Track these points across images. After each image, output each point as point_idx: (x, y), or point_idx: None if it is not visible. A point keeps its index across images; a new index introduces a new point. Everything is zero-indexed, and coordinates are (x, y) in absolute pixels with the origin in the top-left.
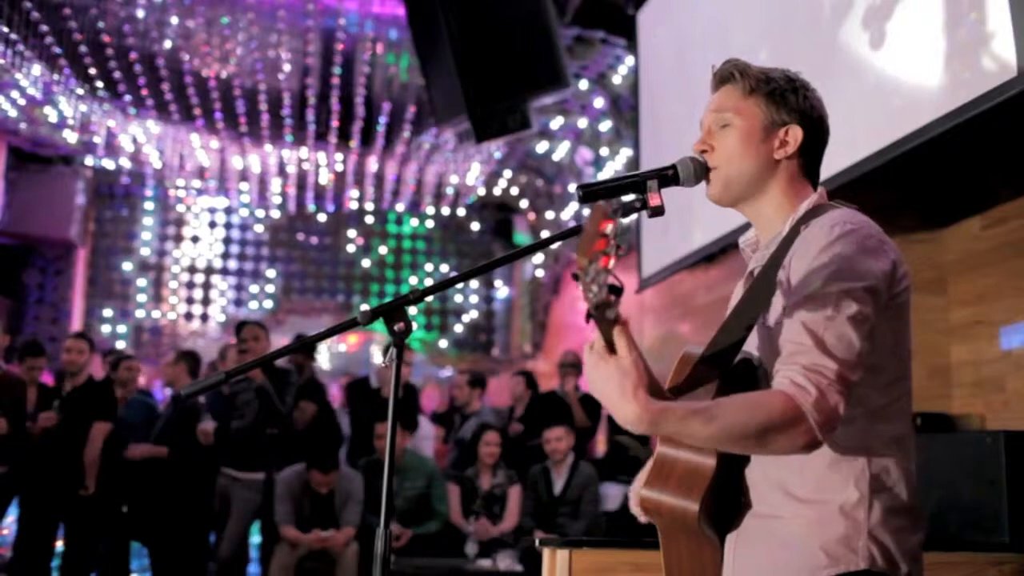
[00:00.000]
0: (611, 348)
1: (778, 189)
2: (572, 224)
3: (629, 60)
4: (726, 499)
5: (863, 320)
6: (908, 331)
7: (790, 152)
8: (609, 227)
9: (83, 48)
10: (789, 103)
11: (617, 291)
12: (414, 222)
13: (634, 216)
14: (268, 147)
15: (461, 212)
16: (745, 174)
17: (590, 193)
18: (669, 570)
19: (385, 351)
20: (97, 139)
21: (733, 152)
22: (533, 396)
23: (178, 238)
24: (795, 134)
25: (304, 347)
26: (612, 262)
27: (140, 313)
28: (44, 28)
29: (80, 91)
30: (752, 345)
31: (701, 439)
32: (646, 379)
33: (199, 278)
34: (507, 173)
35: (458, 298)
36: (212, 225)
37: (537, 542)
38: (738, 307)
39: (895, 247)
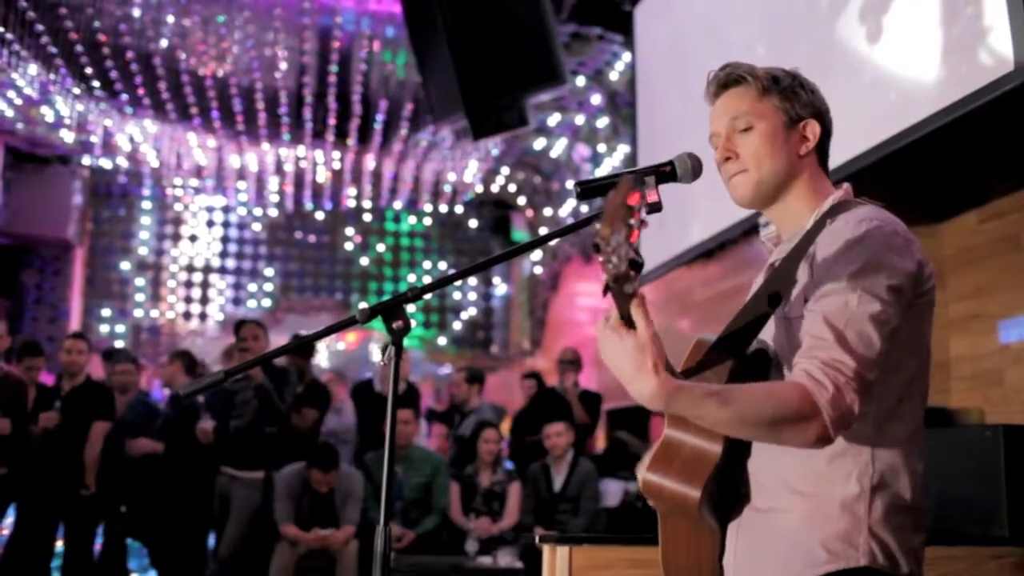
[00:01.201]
0: (628, 323)
1: (804, 185)
2: (570, 221)
3: (626, 56)
4: (729, 487)
5: (885, 320)
6: (929, 331)
7: (811, 147)
8: (636, 200)
9: (79, 47)
10: (801, 99)
11: (637, 266)
12: (412, 220)
13: None
14: (265, 145)
15: (459, 209)
16: (775, 174)
17: (588, 190)
18: (666, 554)
19: (384, 350)
20: (94, 138)
21: (760, 154)
22: (535, 393)
23: (176, 237)
24: (813, 129)
25: (303, 346)
26: (637, 236)
27: (138, 312)
28: (40, 28)
29: (77, 90)
30: (768, 335)
31: (713, 421)
32: (664, 355)
33: (197, 277)
34: (505, 170)
35: (456, 295)
36: (210, 224)
37: (537, 539)
38: (756, 296)
39: (920, 246)
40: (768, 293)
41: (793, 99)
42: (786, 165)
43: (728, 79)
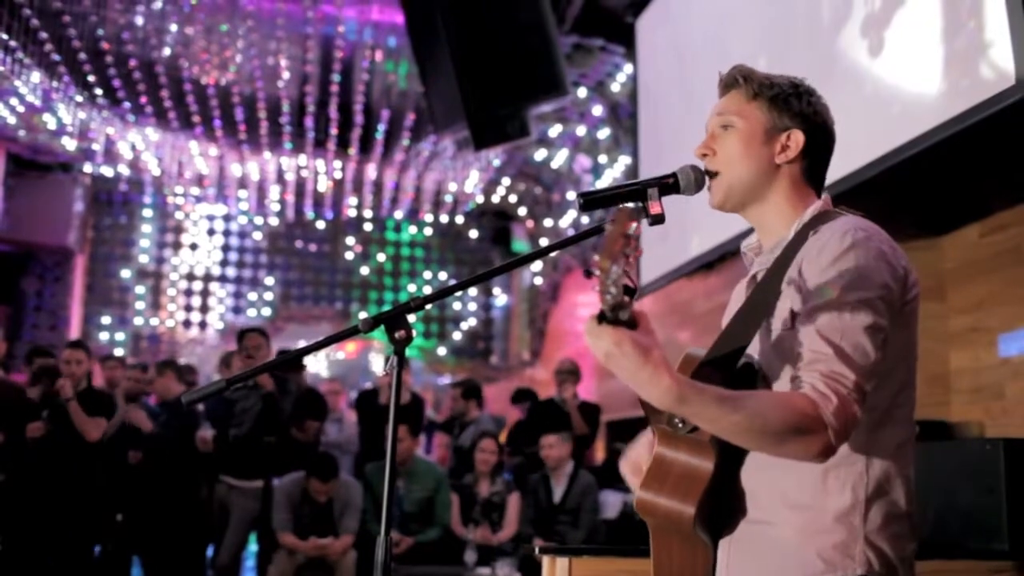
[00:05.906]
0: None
1: (781, 195)
2: (571, 232)
3: (628, 68)
4: (722, 503)
5: (878, 330)
6: (916, 338)
7: (791, 156)
8: (633, 228)
9: (82, 55)
10: (792, 108)
11: (631, 292)
12: (412, 230)
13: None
14: (267, 154)
15: (460, 220)
16: (745, 178)
17: (590, 201)
18: (659, 570)
19: (386, 360)
20: (96, 146)
21: (733, 155)
22: (533, 404)
23: (176, 245)
24: (796, 138)
25: (298, 357)
26: (634, 263)
27: (138, 320)
28: (43, 35)
29: (79, 98)
30: (754, 349)
31: (721, 425)
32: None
33: (197, 285)
34: (505, 181)
35: (456, 305)
36: (211, 232)
37: (536, 550)
38: (742, 311)
39: (904, 254)
40: (753, 307)
41: (782, 107)
42: (757, 172)
43: (729, 80)
